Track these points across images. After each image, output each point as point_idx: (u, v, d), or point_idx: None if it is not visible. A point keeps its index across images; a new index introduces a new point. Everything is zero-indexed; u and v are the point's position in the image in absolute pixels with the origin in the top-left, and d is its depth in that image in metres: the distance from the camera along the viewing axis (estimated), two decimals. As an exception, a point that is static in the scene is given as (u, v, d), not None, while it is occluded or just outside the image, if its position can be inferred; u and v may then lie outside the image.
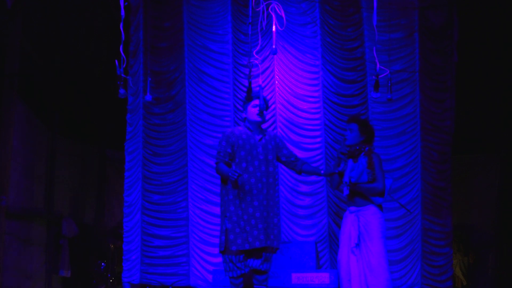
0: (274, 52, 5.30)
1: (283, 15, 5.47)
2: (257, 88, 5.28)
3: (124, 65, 5.08)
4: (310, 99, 8.24)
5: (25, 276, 9.79)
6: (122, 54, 5.09)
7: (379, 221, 5.22)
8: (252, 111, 5.42)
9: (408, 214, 7.96)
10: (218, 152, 5.34)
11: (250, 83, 5.19)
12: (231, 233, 5.17)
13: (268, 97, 8.24)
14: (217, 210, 7.86)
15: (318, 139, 8.14)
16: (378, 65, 5.44)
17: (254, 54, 5.13)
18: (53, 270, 10.34)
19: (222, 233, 5.22)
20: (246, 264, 5.25)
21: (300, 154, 8.10)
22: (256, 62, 5.21)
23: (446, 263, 7.91)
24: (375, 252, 5.12)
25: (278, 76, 8.30)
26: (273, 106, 8.28)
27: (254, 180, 5.25)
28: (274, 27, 5.48)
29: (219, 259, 7.83)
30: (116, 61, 5.03)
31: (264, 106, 5.35)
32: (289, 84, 8.27)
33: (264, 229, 5.19)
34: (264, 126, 8.08)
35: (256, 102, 5.38)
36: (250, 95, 5.30)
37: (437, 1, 8.17)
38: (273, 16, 5.45)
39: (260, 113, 5.37)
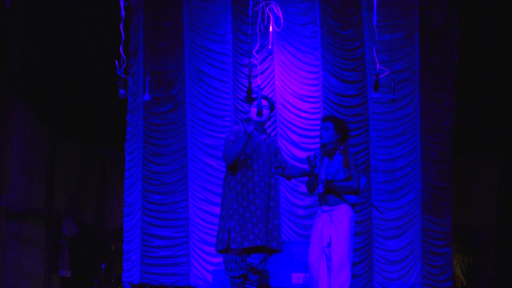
0: (271, 53, 5.31)
1: (281, 15, 5.47)
2: (256, 89, 5.27)
3: (124, 65, 5.08)
4: (310, 99, 8.24)
5: (25, 276, 9.80)
6: (122, 54, 5.08)
7: (350, 220, 5.24)
8: (253, 111, 5.42)
9: (408, 214, 7.98)
10: (226, 144, 5.26)
11: (250, 83, 5.18)
12: (233, 231, 5.15)
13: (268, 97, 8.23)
14: (217, 210, 7.85)
15: (318, 139, 8.11)
16: (378, 65, 5.44)
17: (254, 53, 5.11)
18: (53, 270, 10.35)
19: (224, 231, 5.18)
20: (247, 263, 5.25)
21: (300, 154, 8.11)
22: (255, 62, 5.20)
23: (446, 263, 7.92)
24: (339, 252, 5.15)
25: (278, 76, 8.30)
26: (273, 106, 8.28)
27: (258, 178, 5.25)
28: (271, 27, 5.48)
29: (219, 259, 7.83)
30: (116, 61, 5.03)
31: (261, 106, 5.31)
32: (289, 84, 8.27)
33: (265, 228, 5.19)
34: (265, 125, 8.12)
35: (255, 102, 5.38)
36: (250, 95, 5.29)
37: (437, 1, 8.18)
38: (271, 16, 5.45)
39: (259, 113, 5.35)
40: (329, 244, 5.21)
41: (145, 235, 8.37)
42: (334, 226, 5.21)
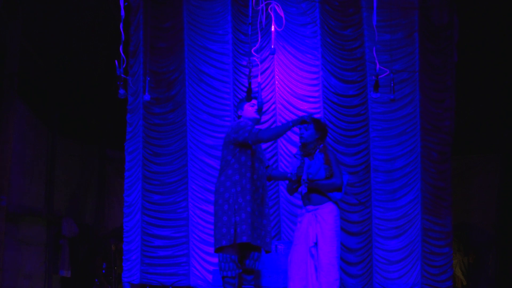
0: (273, 52, 5.32)
1: (283, 15, 5.47)
2: (256, 89, 5.26)
3: (124, 65, 5.08)
4: (310, 99, 8.24)
5: (25, 276, 9.80)
6: (122, 54, 5.08)
7: (335, 219, 5.27)
8: (250, 110, 5.39)
9: (408, 214, 7.98)
10: (251, 128, 5.12)
11: (250, 83, 5.18)
12: (238, 226, 5.07)
13: (268, 97, 8.25)
14: (217, 210, 7.85)
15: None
16: (378, 65, 5.45)
17: (253, 52, 5.10)
18: (53, 270, 10.35)
19: (230, 226, 5.10)
20: (243, 263, 5.23)
21: (300, 154, 8.12)
22: (256, 61, 5.20)
23: (446, 263, 7.92)
24: (327, 251, 5.16)
25: (278, 76, 8.30)
26: (273, 106, 8.29)
27: (256, 176, 5.24)
28: (273, 27, 5.49)
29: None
30: (116, 61, 5.03)
31: (262, 103, 5.31)
32: (289, 84, 8.27)
33: (264, 226, 5.18)
34: (265, 126, 8.14)
35: (254, 101, 5.36)
36: (250, 95, 5.28)
37: (437, 1, 8.18)
38: (272, 16, 5.46)
39: (259, 110, 5.35)
40: (315, 244, 5.21)
41: (145, 235, 8.37)
42: (320, 226, 5.23)
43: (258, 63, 5.41)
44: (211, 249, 8.07)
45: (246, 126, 5.17)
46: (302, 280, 5.22)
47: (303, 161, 5.35)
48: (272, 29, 5.51)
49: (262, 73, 8.23)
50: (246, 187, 5.14)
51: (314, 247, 5.22)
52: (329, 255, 5.17)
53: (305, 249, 5.25)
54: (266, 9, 5.51)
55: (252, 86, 5.26)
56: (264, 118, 8.14)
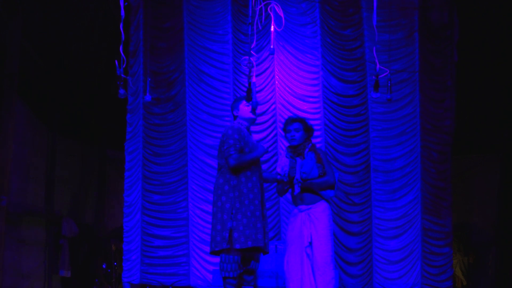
0: (272, 52, 5.30)
1: (282, 15, 5.47)
2: (251, 86, 5.22)
3: (124, 65, 5.06)
4: (310, 99, 8.25)
5: (25, 276, 9.80)
6: (122, 54, 5.07)
7: (328, 218, 5.27)
8: (246, 110, 5.35)
9: (408, 214, 7.99)
10: (232, 145, 5.08)
11: (250, 83, 5.16)
12: (235, 231, 5.07)
13: (268, 97, 8.26)
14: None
15: (318, 139, 8.15)
16: (378, 65, 5.44)
17: (253, 53, 5.09)
18: (53, 270, 10.35)
19: (225, 230, 5.09)
20: (244, 263, 5.22)
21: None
22: (252, 61, 5.18)
23: (446, 263, 7.93)
24: (322, 250, 5.16)
25: (278, 76, 8.30)
26: (273, 106, 8.29)
27: (256, 178, 5.22)
28: (272, 27, 5.48)
29: (219, 259, 7.82)
30: (116, 61, 5.02)
31: (256, 103, 5.27)
32: (289, 84, 8.28)
33: (262, 228, 5.16)
34: (265, 125, 8.15)
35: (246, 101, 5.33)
36: (250, 95, 5.25)
37: (437, 1, 8.18)
38: (272, 16, 5.45)
39: (253, 111, 5.32)
40: (310, 244, 5.21)
41: (145, 235, 8.37)
42: (314, 225, 5.22)
43: (254, 63, 5.38)
44: (211, 249, 8.07)
45: (227, 145, 5.13)
46: (300, 281, 5.22)
47: (295, 161, 5.35)
48: (272, 29, 5.50)
49: (262, 73, 8.25)
50: (243, 192, 5.13)
51: (309, 247, 5.22)
52: (324, 254, 5.16)
53: (300, 250, 5.25)
54: (266, 9, 5.51)
55: (252, 86, 5.24)
56: (264, 118, 8.15)
